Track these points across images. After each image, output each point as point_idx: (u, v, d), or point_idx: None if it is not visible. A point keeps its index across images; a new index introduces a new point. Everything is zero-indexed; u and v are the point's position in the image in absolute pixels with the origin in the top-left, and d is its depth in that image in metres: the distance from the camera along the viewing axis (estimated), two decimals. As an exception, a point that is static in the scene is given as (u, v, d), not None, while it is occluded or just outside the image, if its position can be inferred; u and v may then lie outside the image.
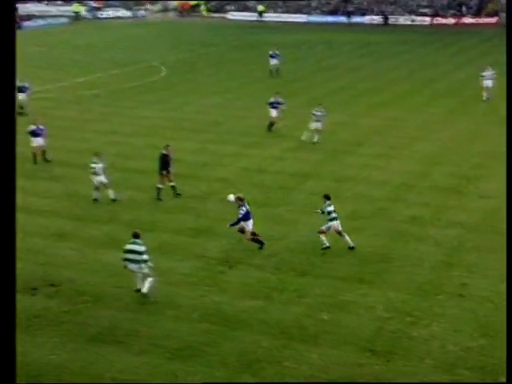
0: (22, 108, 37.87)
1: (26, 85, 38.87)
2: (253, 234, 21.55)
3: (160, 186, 25.82)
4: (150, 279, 18.45)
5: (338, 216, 21.41)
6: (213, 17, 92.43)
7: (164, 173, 25.84)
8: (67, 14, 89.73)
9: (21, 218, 23.96)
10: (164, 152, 25.99)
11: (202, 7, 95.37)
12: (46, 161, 30.16)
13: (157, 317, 17.61)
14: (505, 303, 15.97)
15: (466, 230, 22.85)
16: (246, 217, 21.33)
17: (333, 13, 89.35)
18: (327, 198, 21.58)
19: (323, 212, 21.42)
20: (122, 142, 33.60)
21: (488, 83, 41.72)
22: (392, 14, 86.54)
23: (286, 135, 35.08)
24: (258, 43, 70.91)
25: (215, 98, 44.53)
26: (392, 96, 45.27)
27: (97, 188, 25.60)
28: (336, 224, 21.26)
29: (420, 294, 18.58)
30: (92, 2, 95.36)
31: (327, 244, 21.24)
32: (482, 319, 17.19)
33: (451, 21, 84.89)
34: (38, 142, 29.76)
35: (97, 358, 15.81)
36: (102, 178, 25.52)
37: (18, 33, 78.48)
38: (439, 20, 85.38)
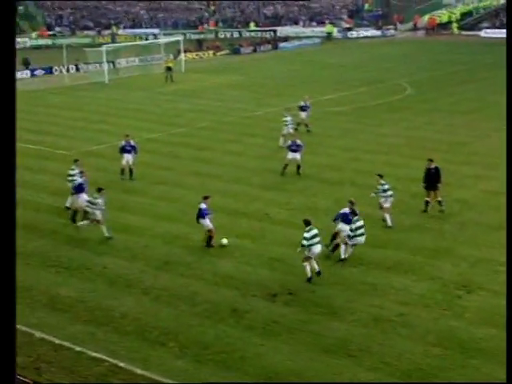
0: (307, 126, 39.81)
1: (308, 103, 40.60)
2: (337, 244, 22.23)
3: (427, 199, 26.26)
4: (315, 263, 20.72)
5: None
6: (464, 35, 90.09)
7: (424, 186, 26.27)
8: (320, 34, 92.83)
9: (263, 227, 25.34)
10: (427, 166, 26.39)
11: (453, 25, 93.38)
12: (298, 174, 31.35)
13: (390, 335, 17.62)
14: None
15: None
16: (346, 218, 21.98)
17: None
18: (354, 213, 22.10)
19: (351, 230, 21.79)
20: (361, 158, 33.95)
21: None
22: None
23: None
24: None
25: (459, 118, 43.35)
26: None
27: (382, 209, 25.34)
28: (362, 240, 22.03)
29: None
30: (344, 23, 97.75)
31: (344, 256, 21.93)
32: None
33: None
34: (293, 155, 31.20)
35: (329, 369, 16.19)
36: (383, 201, 25.20)
37: (275, 53, 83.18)
38: None
